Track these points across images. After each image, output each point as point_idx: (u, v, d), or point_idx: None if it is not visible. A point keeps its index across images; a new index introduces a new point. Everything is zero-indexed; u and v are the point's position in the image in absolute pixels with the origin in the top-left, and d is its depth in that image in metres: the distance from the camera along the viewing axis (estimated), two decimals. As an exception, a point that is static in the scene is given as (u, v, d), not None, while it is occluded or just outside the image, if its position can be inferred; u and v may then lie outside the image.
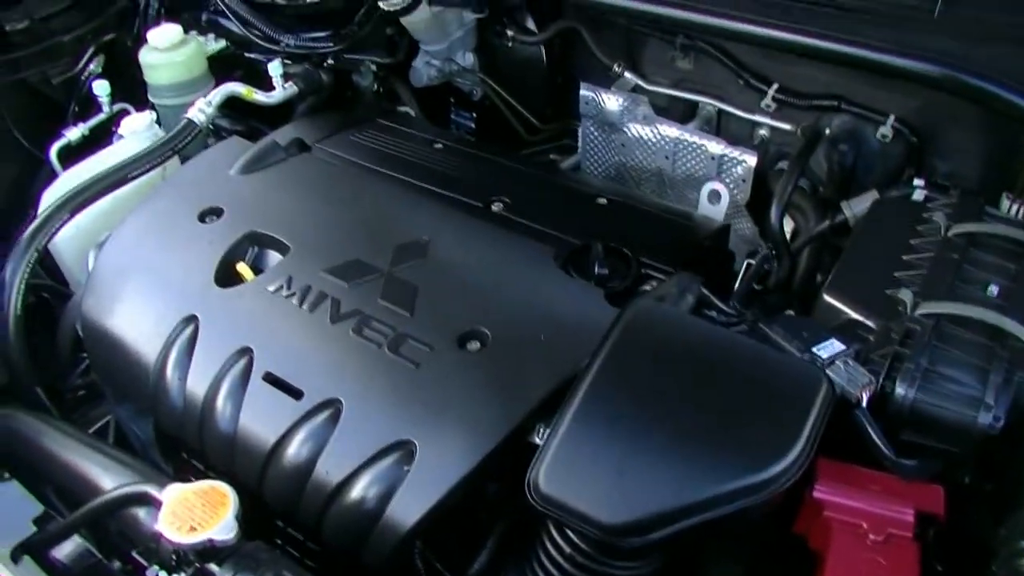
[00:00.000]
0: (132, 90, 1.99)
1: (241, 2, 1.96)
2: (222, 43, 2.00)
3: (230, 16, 1.96)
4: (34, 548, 1.23)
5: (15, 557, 1.21)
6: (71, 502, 1.30)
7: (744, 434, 1.05)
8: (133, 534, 1.16)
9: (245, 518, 1.10)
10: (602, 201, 1.66)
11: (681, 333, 1.15)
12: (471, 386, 1.25)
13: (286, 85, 1.91)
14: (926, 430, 1.18)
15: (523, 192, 1.64)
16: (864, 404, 1.17)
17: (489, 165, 1.79)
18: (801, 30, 1.50)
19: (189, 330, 1.40)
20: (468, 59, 2.21)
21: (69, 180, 1.78)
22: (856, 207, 1.70)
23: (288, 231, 1.51)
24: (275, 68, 1.89)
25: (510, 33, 2.17)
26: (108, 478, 1.21)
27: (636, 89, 2.08)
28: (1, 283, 1.54)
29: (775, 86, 1.88)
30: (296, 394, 1.28)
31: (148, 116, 1.84)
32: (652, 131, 2.02)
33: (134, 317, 1.47)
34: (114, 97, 1.95)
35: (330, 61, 2.00)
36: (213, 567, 1.05)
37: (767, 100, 1.90)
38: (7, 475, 1.33)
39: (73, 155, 1.89)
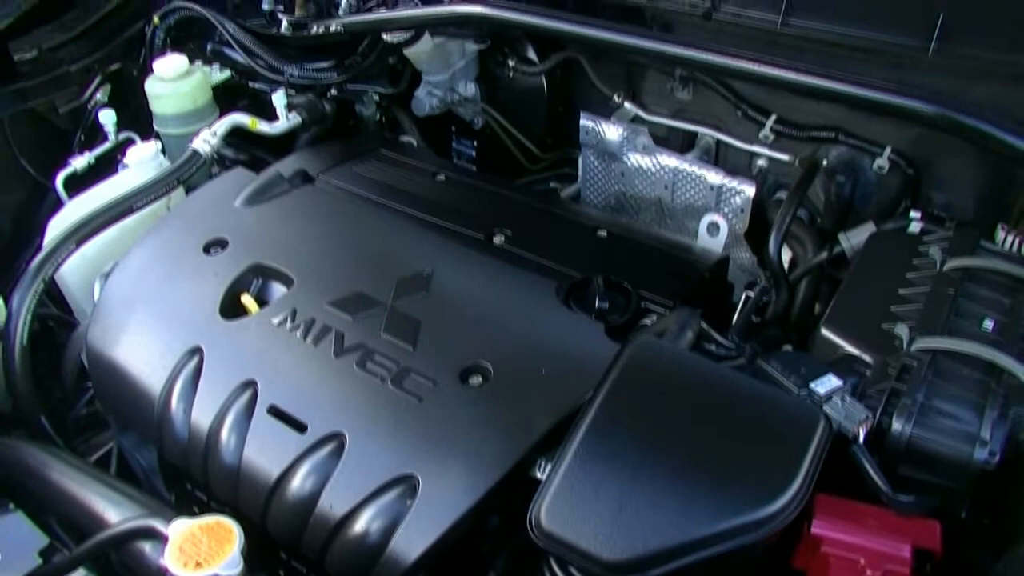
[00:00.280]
0: (138, 119, 2.02)
1: (246, 33, 1.98)
2: (227, 73, 2.03)
3: (235, 47, 1.99)
4: (40, 580, 1.24)
5: (21, 589, 1.22)
6: (76, 534, 1.31)
7: (743, 472, 1.06)
8: (138, 568, 1.17)
9: (249, 550, 1.11)
10: (602, 233, 1.68)
11: (681, 370, 1.17)
12: (473, 421, 1.26)
13: (290, 115, 1.94)
14: (923, 465, 1.20)
15: (524, 224, 1.66)
16: (861, 440, 1.19)
17: (491, 197, 1.81)
18: (797, 68, 1.52)
19: (194, 362, 1.41)
20: (470, 89, 2.23)
21: (75, 209, 1.80)
22: (853, 239, 1.72)
23: (292, 263, 1.53)
24: (279, 99, 1.92)
25: (511, 63, 2.20)
26: (114, 511, 1.22)
27: (636, 119, 2.11)
28: (8, 313, 1.55)
29: (773, 117, 1.91)
30: (300, 427, 1.30)
31: (153, 146, 1.86)
32: (652, 161, 2.05)
33: (139, 348, 1.48)
34: (120, 126, 1.97)
35: (333, 91, 2.02)
36: (218, 602, 1.06)
37: (765, 131, 1.93)
38: (12, 506, 1.34)
39: (79, 184, 1.91)
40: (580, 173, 2.18)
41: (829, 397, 1.21)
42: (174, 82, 1.92)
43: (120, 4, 2.04)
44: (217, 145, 1.80)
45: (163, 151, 1.92)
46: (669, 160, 2.02)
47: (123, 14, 2.05)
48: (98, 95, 1.98)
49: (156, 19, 2.04)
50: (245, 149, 2.00)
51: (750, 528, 1.03)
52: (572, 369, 1.30)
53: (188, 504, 1.49)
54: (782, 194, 2.01)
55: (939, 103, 1.46)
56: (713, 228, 1.76)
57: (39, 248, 1.80)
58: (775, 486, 1.04)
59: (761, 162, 2.01)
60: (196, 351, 1.42)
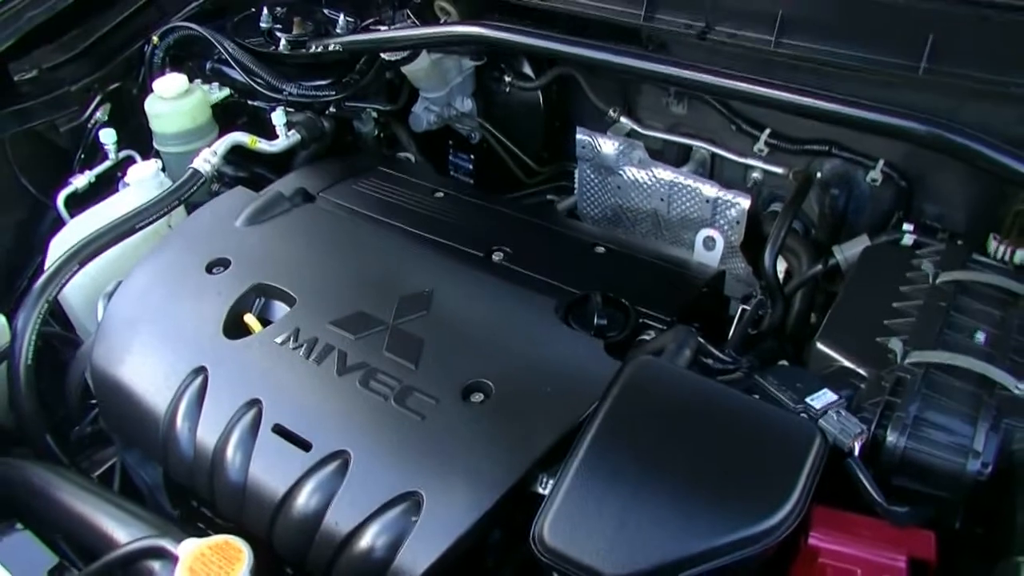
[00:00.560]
0: (137, 137, 2.03)
1: (245, 52, 2.00)
2: (226, 91, 2.05)
3: (234, 65, 2.01)
4: (50, 601, 1.26)
5: (31, 609, 1.24)
6: (84, 554, 1.32)
7: (741, 487, 1.09)
8: (148, 587, 1.19)
9: (256, 567, 1.13)
10: (600, 250, 1.70)
11: (679, 389, 1.19)
12: (476, 438, 1.28)
13: (289, 133, 1.96)
14: (917, 477, 1.22)
15: (523, 242, 1.69)
16: (856, 453, 1.21)
17: (489, 214, 1.83)
18: (790, 88, 1.54)
19: (198, 381, 1.43)
20: (467, 104, 2.26)
21: (76, 228, 1.82)
22: (847, 251, 1.74)
23: (294, 282, 1.55)
24: (279, 117, 1.94)
25: (508, 79, 2.22)
26: (122, 531, 1.23)
27: (631, 133, 2.14)
28: (13, 333, 1.57)
29: (767, 131, 1.94)
30: (305, 446, 1.31)
31: (154, 164, 1.88)
32: (647, 174, 2.07)
33: (144, 367, 1.50)
34: (120, 145, 1.98)
35: (332, 109, 2.04)
36: (228, 621, 1.08)
37: (760, 145, 1.96)
38: (20, 526, 1.35)
39: (80, 202, 1.93)
40: (577, 186, 2.20)
41: (825, 411, 1.24)
42: (174, 101, 1.94)
43: (119, 23, 2.05)
44: (217, 164, 1.82)
45: (163, 169, 1.93)
46: (665, 173, 2.04)
47: (122, 34, 2.07)
48: (98, 114, 2.00)
49: (155, 38, 2.05)
50: (244, 166, 2.02)
51: (749, 542, 1.05)
52: (572, 386, 1.32)
53: (193, 520, 1.50)
54: (777, 206, 2.03)
55: (930, 123, 1.48)
56: (709, 242, 1.78)
57: (41, 267, 1.83)
58: (773, 500, 1.07)
59: (756, 175, 2.03)
60: (200, 370, 1.44)
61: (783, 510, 1.06)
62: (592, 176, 2.17)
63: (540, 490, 1.24)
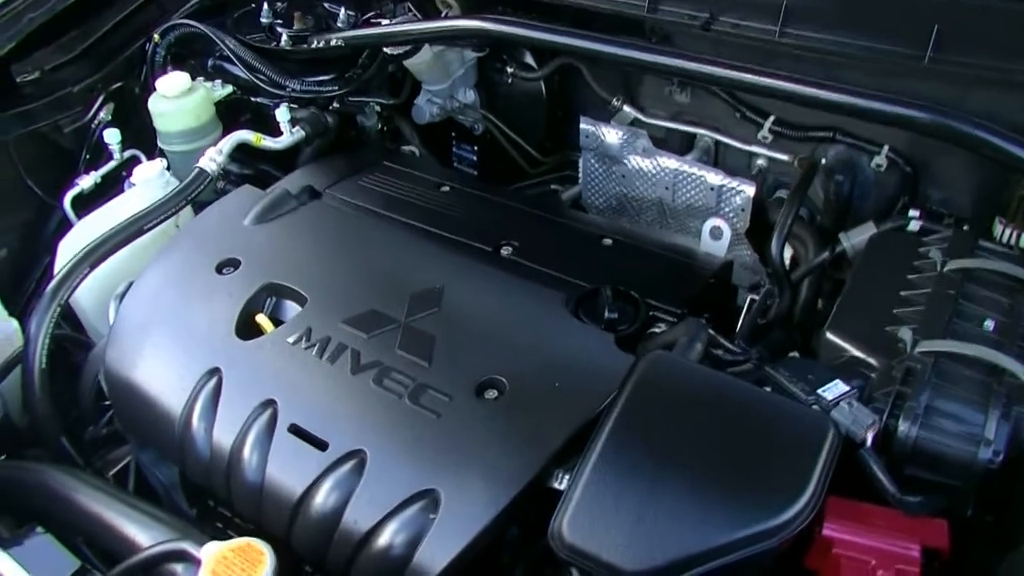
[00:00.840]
0: (141, 137, 2.03)
1: (247, 48, 2.00)
2: (228, 88, 2.04)
3: (236, 62, 2.00)
4: (74, 604, 1.27)
5: (55, 613, 1.25)
6: (104, 557, 1.33)
7: (757, 481, 1.10)
8: (170, 591, 1.20)
9: (278, 569, 1.14)
10: (607, 242, 1.71)
11: (693, 384, 1.20)
12: (491, 434, 1.29)
13: (293, 130, 1.95)
14: (929, 466, 1.23)
15: (531, 235, 1.69)
16: (869, 444, 1.22)
17: (495, 208, 1.83)
18: (792, 78, 1.54)
19: (213, 382, 1.44)
20: (470, 96, 2.25)
21: (84, 229, 1.82)
22: (854, 238, 1.75)
23: (304, 281, 1.55)
24: (283, 114, 1.93)
25: (510, 70, 2.22)
26: (143, 534, 1.24)
27: (634, 122, 2.14)
28: (26, 338, 1.57)
29: (771, 118, 1.94)
30: (321, 445, 1.32)
31: (159, 164, 1.87)
32: (652, 163, 2.08)
33: (157, 369, 1.50)
34: (124, 144, 1.98)
35: (336, 104, 2.04)
36: (252, 624, 1.09)
37: (764, 132, 1.96)
38: (40, 530, 1.37)
39: (86, 203, 1.93)
40: (581, 176, 2.21)
41: (837, 402, 1.25)
42: (177, 99, 1.93)
43: (119, 22, 2.04)
44: (223, 163, 1.82)
45: (168, 168, 1.93)
46: (669, 162, 2.05)
47: (123, 33, 2.06)
48: (101, 114, 2.00)
49: (156, 37, 2.05)
50: (249, 164, 2.02)
51: (765, 535, 1.07)
52: (585, 381, 1.33)
53: (211, 520, 1.52)
54: (782, 193, 2.04)
55: (934, 111, 1.48)
56: (716, 231, 1.79)
57: (49, 269, 1.84)
58: (789, 494, 1.08)
59: (760, 162, 2.04)
60: (214, 371, 1.45)
61: (799, 503, 1.07)
62: (596, 165, 2.17)
63: (556, 485, 1.25)
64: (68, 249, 1.77)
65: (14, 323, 1.68)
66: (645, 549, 1.06)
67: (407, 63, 2.07)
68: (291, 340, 1.46)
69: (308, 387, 1.41)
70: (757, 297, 1.65)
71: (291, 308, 1.56)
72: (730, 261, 1.73)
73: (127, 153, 2.00)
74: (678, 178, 2.06)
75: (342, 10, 2.11)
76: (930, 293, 1.43)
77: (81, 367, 1.68)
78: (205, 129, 1.98)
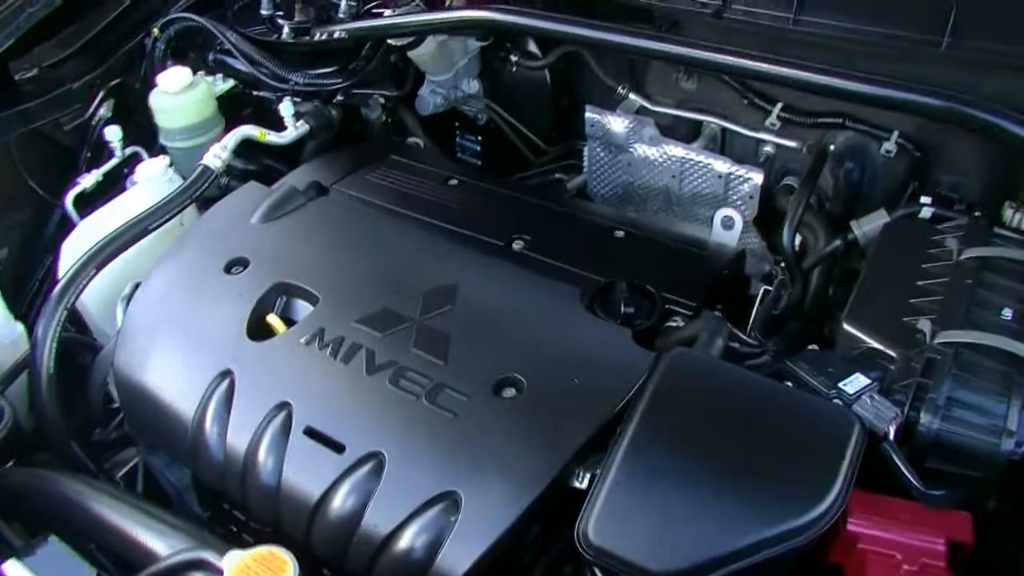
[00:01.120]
0: (142, 133, 2.00)
1: (248, 42, 1.97)
2: (230, 83, 2.01)
3: (238, 56, 1.97)
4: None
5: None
6: (121, 566, 1.32)
7: (784, 479, 1.09)
8: (193, 600, 1.19)
9: (301, 576, 1.13)
10: (619, 234, 1.69)
11: (717, 380, 1.19)
12: (510, 434, 1.28)
13: (298, 124, 1.93)
14: (951, 458, 1.23)
15: (542, 229, 1.68)
16: (892, 437, 1.22)
17: (506, 201, 1.82)
18: (803, 66, 1.52)
19: (225, 384, 1.42)
20: (473, 86, 2.23)
21: (87, 229, 1.80)
22: (866, 226, 1.74)
23: (315, 280, 1.53)
24: (287, 108, 1.91)
25: (514, 59, 2.19)
26: (161, 542, 1.23)
27: (640, 110, 2.12)
28: (33, 342, 1.56)
29: (779, 105, 1.92)
30: (338, 448, 1.31)
31: (163, 161, 1.85)
32: (658, 151, 2.05)
33: (168, 372, 1.49)
34: (125, 141, 1.95)
35: (340, 97, 2.01)
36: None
37: (772, 119, 1.94)
38: (55, 538, 1.35)
39: (88, 202, 1.91)
40: (586, 165, 2.19)
41: (859, 396, 1.24)
42: (178, 95, 1.91)
43: (118, 16, 2.01)
44: (228, 159, 1.80)
45: (171, 165, 1.91)
46: (676, 150, 2.03)
47: (121, 27, 2.02)
48: (101, 111, 1.97)
49: (156, 31, 2.02)
50: (253, 159, 1.99)
51: (794, 533, 1.06)
52: (604, 377, 1.32)
53: (226, 524, 1.51)
54: (790, 180, 2.02)
55: (947, 97, 1.47)
56: (727, 222, 1.77)
57: (53, 270, 1.81)
58: (816, 491, 1.07)
59: (768, 149, 2.02)
60: (227, 373, 1.43)
61: (827, 501, 1.07)
62: (602, 154, 2.15)
63: (577, 484, 1.24)
64: (72, 249, 1.75)
65: (20, 327, 1.66)
66: (672, 550, 1.05)
67: (411, 54, 2.05)
68: (304, 340, 1.45)
69: (323, 388, 1.39)
70: (771, 288, 1.64)
71: (302, 307, 1.54)
72: (743, 251, 1.72)
73: (128, 150, 1.97)
74: (685, 166, 2.04)
75: (343, 0, 2.08)
76: (947, 282, 1.42)
77: (87, 370, 1.66)
78: (207, 124, 1.95)
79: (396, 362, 1.39)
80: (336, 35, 1.95)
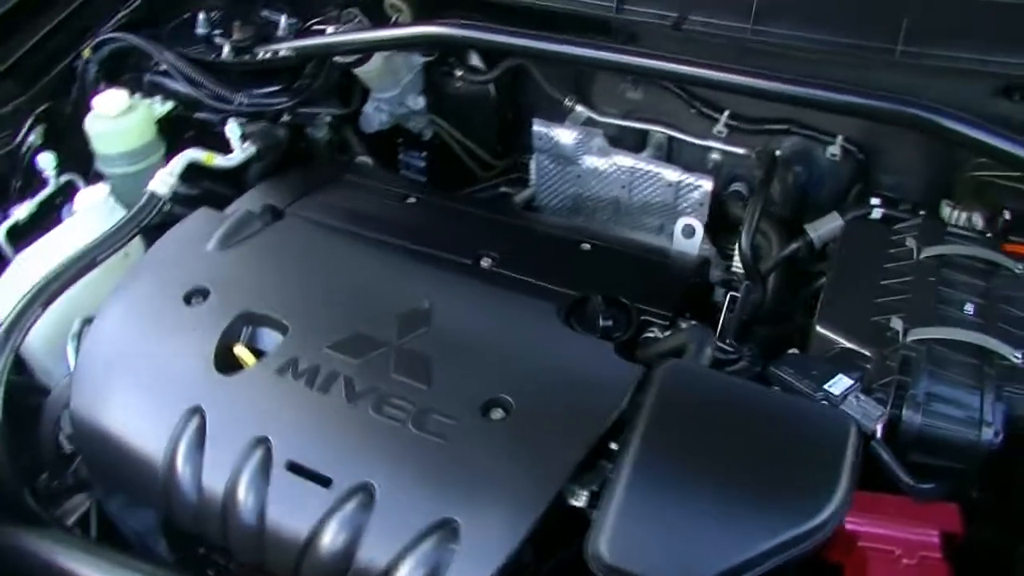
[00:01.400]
0: (76, 160, 1.90)
1: (188, 62, 1.89)
2: (169, 105, 1.93)
3: (177, 77, 1.89)
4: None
5: None
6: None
7: (791, 485, 1.11)
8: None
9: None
10: (586, 247, 1.69)
11: (714, 391, 1.20)
12: (504, 456, 1.26)
13: (244, 146, 1.86)
14: (934, 451, 1.27)
15: (507, 245, 1.66)
16: (879, 435, 1.25)
17: (468, 218, 1.80)
18: (756, 73, 1.55)
19: (195, 422, 1.36)
20: (420, 102, 2.20)
21: (24, 263, 1.69)
22: (820, 229, 1.79)
23: (282, 308, 1.48)
24: (233, 130, 1.84)
25: (459, 73, 2.18)
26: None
27: (588, 121, 2.13)
28: (-23, 388, 1.45)
29: (727, 113, 1.96)
30: (324, 481, 1.26)
31: (104, 188, 1.76)
32: (607, 162, 2.07)
33: (131, 412, 1.41)
34: (60, 169, 1.85)
35: (286, 116, 1.96)
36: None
37: (719, 126, 1.98)
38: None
39: (21, 234, 1.79)
40: (534, 178, 2.19)
41: (845, 397, 1.27)
42: (117, 119, 1.81)
43: (44, 38, 1.90)
44: (175, 185, 1.72)
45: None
46: (625, 160, 2.05)
47: (48, 49, 1.91)
48: (31, 137, 1.85)
49: (87, 52, 1.91)
50: (195, 183, 1.91)
51: (804, 537, 1.07)
52: (592, 392, 1.31)
53: (200, 567, 1.44)
54: (738, 185, 2.07)
55: (893, 100, 1.52)
56: (688, 230, 1.79)
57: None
58: (822, 495, 1.09)
59: (715, 156, 2.06)
60: (196, 411, 1.36)
61: (833, 503, 1.08)
62: (550, 167, 2.15)
63: (574, 502, 1.23)
64: (8, 287, 1.64)
65: (-43, 373, 1.54)
66: (690, 563, 1.06)
67: (357, 71, 2.00)
68: (277, 372, 1.39)
69: (302, 421, 1.34)
70: (737, 294, 1.66)
71: (270, 337, 1.48)
72: (707, 259, 1.75)
73: (63, 178, 1.86)
74: (635, 176, 2.06)
75: (282, 18, 2.02)
76: (911, 281, 1.47)
77: (32, 413, 1.56)
78: (148, 149, 1.86)
79: (377, 388, 1.35)
80: (283, 53, 1.89)
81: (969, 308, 1.42)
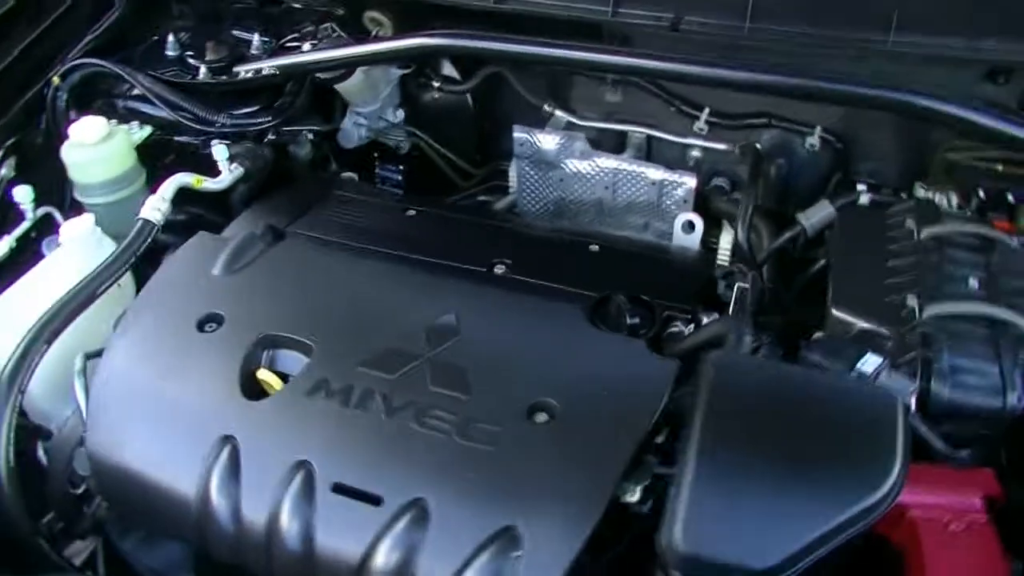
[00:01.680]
0: (49, 192, 1.82)
1: (166, 85, 1.84)
2: (148, 130, 1.87)
3: (155, 101, 1.84)
4: None
5: None
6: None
7: (850, 461, 1.13)
8: None
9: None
10: (594, 248, 1.70)
11: (764, 378, 1.22)
12: (556, 458, 1.25)
13: (232, 167, 1.81)
14: (963, 420, 1.32)
15: (519, 251, 1.66)
16: (913, 409, 1.29)
17: (472, 227, 1.80)
18: (747, 67, 1.60)
19: (227, 451, 1.32)
20: (399, 115, 2.19)
21: (10, 301, 1.61)
22: (813, 217, 1.83)
23: (303, 328, 1.45)
24: (220, 152, 1.79)
25: (436, 84, 2.17)
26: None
27: (568, 126, 2.14)
28: (-16, 434, 1.38)
29: (707, 110, 2.00)
30: (375, 500, 1.24)
31: (90, 219, 1.69)
32: (590, 164, 2.09)
33: (156, 446, 1.36)
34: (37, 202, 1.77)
35: (271, 136, 1.91)
36: None
37: (700, 124, 2.02)
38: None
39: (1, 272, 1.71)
40: (516, 184, 2.19)
41: (877, 375, 1.31)
42: (96, 147, 1.74)
43: (8, 67, 1.82)
44: (168, 211, 1.66)
45: (93, 223, 1.74)
46: (608, 162, 2.07)
47: (14, 78, 1.83)
48: (3, 171, 1.77)
49: (56, 79, 1.84)
50: (180, 208, 1.85)
51: (871, 510, 1.10)
52: (633, 389, 1.32)
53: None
54: (719, 180, 2.11)
55: (877, 87, 1.58)
56: (687, 226, 1.83)
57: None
58: (882, 468, 1.12)
59: (695, 153, 2.10)
60: (227, 439, 1.32)
61: (892, 475, 1.11)
62: (532, 173, 2.16)
63: (628, 498, 1.24)
64: (-1, 326, 1.57)
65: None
66: (766, 546, 1.07)
67: (339, 86, 1.98)
68: (308, 393, 1.36)
69: (343, 440, 1.31)
70: (746, 286, 1.69)
71: (291, 359, 1.45)
72: (712, 253, 1.78)
73: (40, 211, 1.78)
74: (618, 177, 2.09)
75: (255, 37, 1.98)
76: (916, 261, 1.52)
77: (48, 458, 1.49)
78: (129, 177, 1.80)
79: (416, 402, 1.33)
80: (266, 71, 1.85)
81: (973, 283, 1.48)
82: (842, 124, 1.93)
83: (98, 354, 1.51)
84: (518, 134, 2.09)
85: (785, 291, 1.89)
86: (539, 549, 1.18)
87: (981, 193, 1.78)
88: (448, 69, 2.19)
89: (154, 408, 1.39)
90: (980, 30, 1.51)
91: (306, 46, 1.96)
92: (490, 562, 1.18)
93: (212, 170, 1.82)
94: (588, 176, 2.11)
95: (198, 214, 1.86)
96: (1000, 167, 1.80)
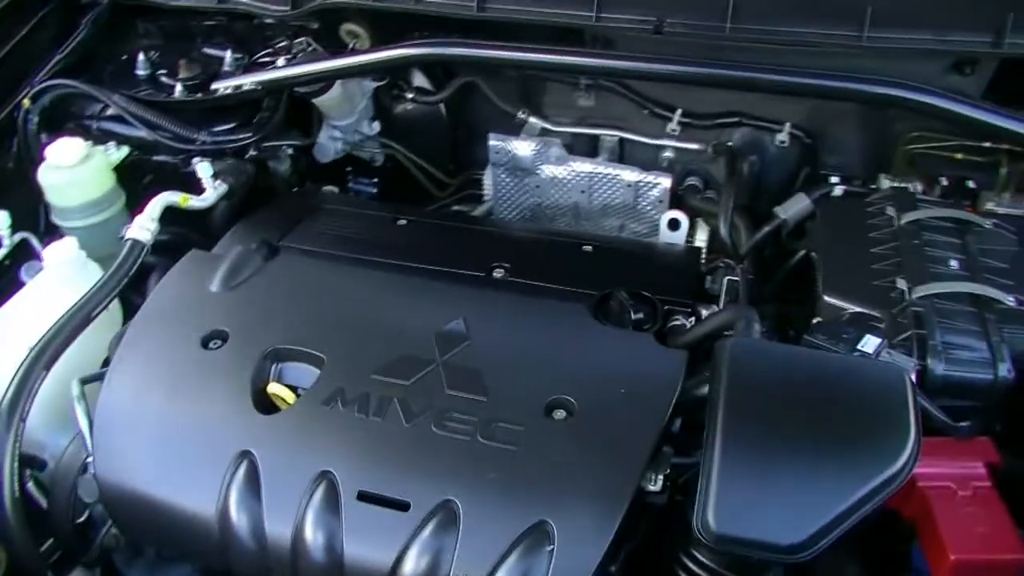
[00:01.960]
0: (22, 217, 1.77)
1: (142, 104, 1.81)
2: (125, 150, 1.83)
3: (130, 120, 1.81)
4: None
5: None
6: None
7: (869, 435, 1.17)
8: None
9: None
10: (588, 248, 1.73)
11: (778, 360, 1.26)
12: (579, 453, 1.27)
13: (216, 184, 1.79)
14: (959, 394, 1.38)
15: (515, 254, 1.68)
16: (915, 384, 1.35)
17: (465, 233, 1.80)
18: (708, 63, 1.65)
19: (244, 467, 1.30)
20: (375, 127, 2.19)
21: (-1, 326, 1.58)
22: (791, 210, 1.90)
23: (312, 341, 1.44)
24: (205, 169, 1.76)
25: (409, 96, 2.18)
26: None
27: (543, 132, 2.17)
28: (-10, 465, 1.34)
29: (679, 112, 2.06)
30: (402, 506, 1.24)
31: (73, 242, 1.65)
32: (566, 169, 2.12)
33: (168, 467, 1.34)
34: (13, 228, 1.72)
35: (252, 151, 1.90)
36: None
37: (673, 125, 2.07)
38: None
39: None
40: (492, 192, 2.21)
41: (878, 354, 1.36)
42: (74, 169, 1.71)
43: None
44: (156, 230, 1.64)
45: (75, 246, 1.70)
46: (584, 165, 2.10)
47: (-21, 103, 1.79)
48: (-26, 197, 1.72)
49: (27, 102, 1.80)
50: (164, 228, 1.82)
51: (890, 482, 1.14)
52: (647, 382, 1.35)
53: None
54: (692, 180, 2.16)
55: (845, 78, 1.65)
56: (673, 223, 1.87)
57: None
58: (898, 440, 1.16)
59: (667, 153, 2.15)
60: (244, 455, 1.31)
61: (908, 447, 1.15)
62: (508, 180, 2.18)
63: (652, 488, 1.26)
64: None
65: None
66: (794, 522, 1.10)
67: (316, 100, 1.97)
68: (324, 404, 1.35)
69: (364, 449, 1.31)
70: (735, 278, 1.74)
71: (301, 371, 1.44)
72: (700, 248, 1.82)
73: (16, 237, 1.74)
74: (594, 180, 2.12)
75: (227, 53, 1.97)
76: (899, 246, 1.59)
77: (53, 485, 1.45)
78: (109, 198, 1.77)
79: (435, 406, 1.34)
80: (246, 87, 1.84)
81: (954, 263, 1.56)
82: (810, 120, 2.01)
83: (94, 379, 1.48)
84: (494, 142, 2.11)
85: (763, 283, 1.94)
86: (572, 540, 1.19)
87: (944, 181, 1.87)
88: (420, 80, 2.20)
89: (164, 429, 1.37)
90: (947, 23, 1.59)
91: (281, 61, 1.95)
92: (524, 558, 1.20)
93: (194, 188, 1.79)
94: (564, 181, 2.14)
95: (180, 233, 1.84)
96: (959, 155, 1.90)
